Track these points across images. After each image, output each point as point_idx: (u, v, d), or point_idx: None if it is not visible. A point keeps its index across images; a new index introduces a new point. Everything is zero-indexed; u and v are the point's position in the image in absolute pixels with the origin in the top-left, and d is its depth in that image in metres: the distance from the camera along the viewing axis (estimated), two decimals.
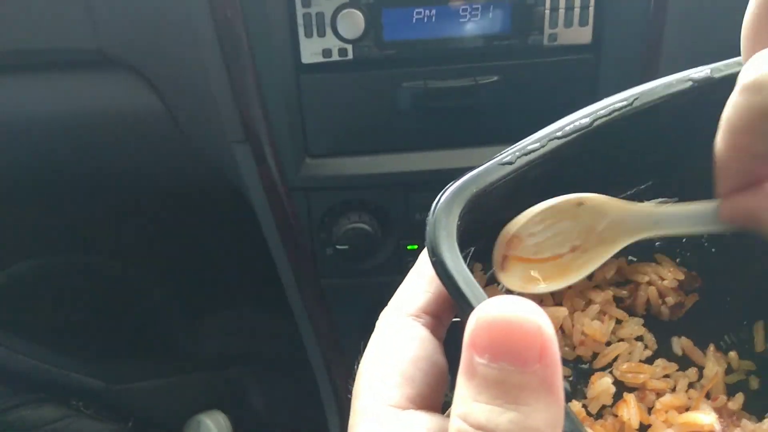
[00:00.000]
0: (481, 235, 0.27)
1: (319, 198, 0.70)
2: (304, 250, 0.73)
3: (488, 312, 0.18)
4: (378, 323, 0.26)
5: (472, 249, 0.27)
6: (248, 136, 0.67)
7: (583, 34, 0.64)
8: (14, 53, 0.70)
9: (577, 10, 0.63)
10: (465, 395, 0.19)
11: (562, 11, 0.63)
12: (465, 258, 0.23)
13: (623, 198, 0.29)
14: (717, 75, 0.27)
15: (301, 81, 0.65)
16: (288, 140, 0.67)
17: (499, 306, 0.18)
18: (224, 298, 1.12)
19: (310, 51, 0.64)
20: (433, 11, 0.63)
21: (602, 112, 0.26)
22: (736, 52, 0.27)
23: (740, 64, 0.26)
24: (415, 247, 0.73)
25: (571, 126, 0.26)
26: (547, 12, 0.63)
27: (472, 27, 0.64)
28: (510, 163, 0.25)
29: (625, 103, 0.26)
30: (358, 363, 0.25)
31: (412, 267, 0.28)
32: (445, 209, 0.23)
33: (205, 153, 0.77)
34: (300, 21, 0.63)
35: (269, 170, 0.68)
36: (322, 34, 0.63)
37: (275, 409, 1.11)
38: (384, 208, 0.71)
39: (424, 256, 0.27)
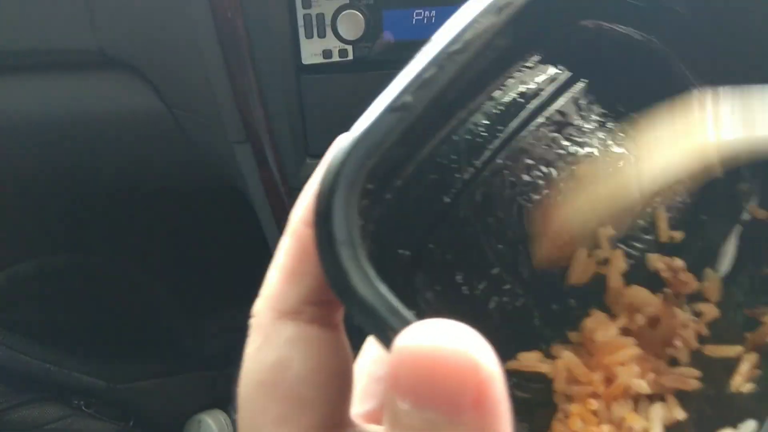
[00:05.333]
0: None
1: None
2: None
3: (409, 342, 0.14)
4: (251, 328, 0.20)
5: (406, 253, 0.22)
6: (249, 137, 0.67)
7: None
8: (15, 53, 0.70)
9: None
10: None
11: None
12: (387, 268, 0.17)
13: None
14: None
15: (301, 81, 0.65)
16: (289, 141, 0.67)
17: (423, 334, 0.14)
18: (226, 297, 1.12)
19: (311, 52, 0.64)
20: (434, 12, 0.63)
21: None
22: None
23: None
24: None
25: (473, 30, 0.18)
26: None
27: None
28: (405, 108, 0.17)
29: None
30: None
31: None
32: (342, 202, 0.16)
33: (206, 153, 0.77)
34: (300, 22, 0.63)
35: (270, 171, 0.68)
36: (322, 35, 0.63)
37: None
38: None
39: (292, 227, 0.20)
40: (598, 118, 0.26)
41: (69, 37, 0.68)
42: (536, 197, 0.24)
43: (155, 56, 0.69)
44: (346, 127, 0.26)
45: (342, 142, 0.17)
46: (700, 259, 0.25)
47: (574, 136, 0.25)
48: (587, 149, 0.26)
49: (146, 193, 0.97)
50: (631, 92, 0.26)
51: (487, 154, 0.24)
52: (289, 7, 0.62)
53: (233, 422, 1.07)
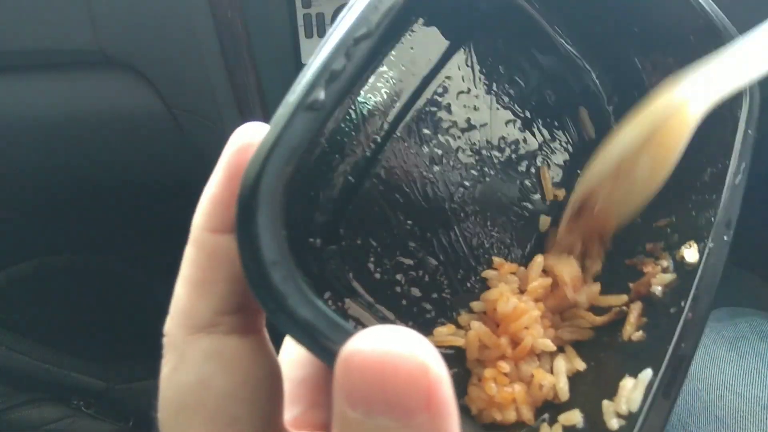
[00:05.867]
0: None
1: None
2: None
3: (357, 350, 0.13)
4: (164, 348, 0.18)
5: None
6: None
7: None
8: (15, 53, 0.70)
9: None
10: None
11: None
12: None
13: None
14: None
15: None
16: None
17: (368, 342, 0.13)
18: None
19: (311, 51, 0.64)
20: None
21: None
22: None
23: None
24: None
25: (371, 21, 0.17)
26: None
27: None
28: (318, 107, 0.16)
29: None
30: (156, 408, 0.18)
31: None
32: (267, 220, 0.15)
33: (206, 153, 0.77)
34: (300, 22, 0.63)
35: None
36: (322, 34, 0.63)
37: None
38: None
39: (194, 235, 0.19)
40: (484, 80, 0.26)
41: (69, 37, 0.68)
42: (436, 168, 0.25)
43: (155, 56, 0.69)
44: None
45: (257, 146, 0.16)
46: None
47: (465, 102, 0.26)
48: (479, 115, 0.26)
49: (146, 193, 0.98)
50: (509, 52, 0.27)
51: (385, 126, 0.24)
52: (289, 6, 0.62)
53: None
